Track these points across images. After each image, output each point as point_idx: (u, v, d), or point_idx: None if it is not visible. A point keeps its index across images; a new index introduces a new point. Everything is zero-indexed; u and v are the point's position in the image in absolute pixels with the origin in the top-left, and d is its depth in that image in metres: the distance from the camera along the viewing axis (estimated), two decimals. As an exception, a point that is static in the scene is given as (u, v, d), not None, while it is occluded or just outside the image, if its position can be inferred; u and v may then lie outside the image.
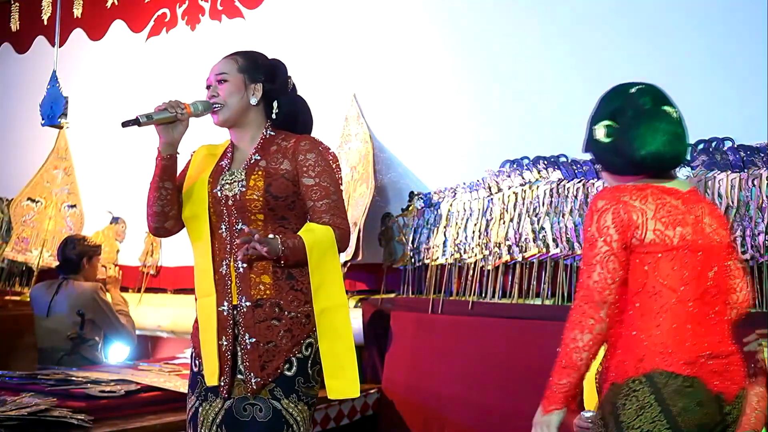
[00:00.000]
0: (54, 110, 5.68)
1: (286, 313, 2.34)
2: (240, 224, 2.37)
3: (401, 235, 4.25)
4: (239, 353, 2.35)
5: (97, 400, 3.02)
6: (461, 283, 3.94)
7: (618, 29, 3.76)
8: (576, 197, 3.61)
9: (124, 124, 2.34)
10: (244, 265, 2.35)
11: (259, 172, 2.38)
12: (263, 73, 2.48)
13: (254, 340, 2.33)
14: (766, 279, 3.16)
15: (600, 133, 2.09)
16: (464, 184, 4.05)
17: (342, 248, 2.39)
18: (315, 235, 2.33)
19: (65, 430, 2.77)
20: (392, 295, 4.22)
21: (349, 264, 4.22)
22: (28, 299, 4.80)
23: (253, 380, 2.31)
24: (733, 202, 3.25)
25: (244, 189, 2.37)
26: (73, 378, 3.33)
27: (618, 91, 2.14)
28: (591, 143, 2.13)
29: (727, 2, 3.50)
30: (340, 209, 2.41)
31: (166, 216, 2.45)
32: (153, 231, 2.51)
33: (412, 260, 4.15)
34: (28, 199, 5.67)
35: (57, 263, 4.70)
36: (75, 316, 4.24)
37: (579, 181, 3.64)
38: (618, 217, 1.98)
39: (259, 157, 2.42)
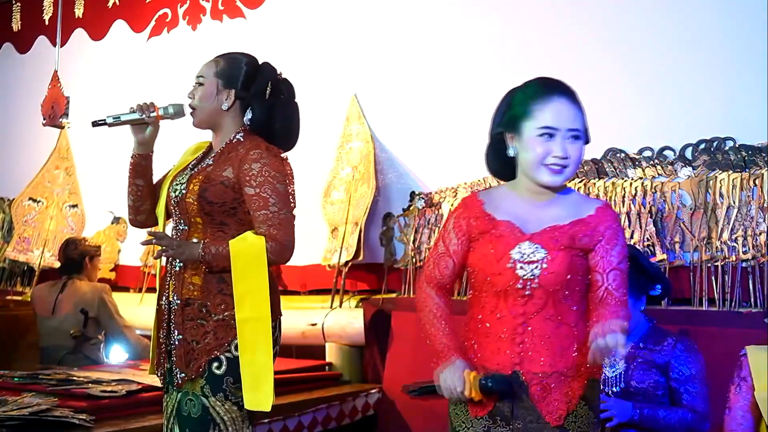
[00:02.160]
0: (55, 110, 5.69)
1: (212, 315, 2.37)
2: (182, 225, 2.46)
3: (402, 235, 4.25)
4: (171, 348, 2.43)
5: (99, 400, 3.01)
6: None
7: (615, 29, 3.76)
8: (577, 197, 3.61)
9: (94, 124, 2.50)
10: (180, 264, 2.41)
11: (200, 177, 2.42)
12: (239, 78, 2.48)
13: (181, 337, 2.38)
14: (768, 279, 3.17)
15: None
16: (465, 183, 4.05)
17: (276, 260, 2.38)
18: (244, 243, 2.34)
19: (67, 430, 2.77)
20: (393, 295, 4.22)
21: (350, 264, 4.23)
22: (30, 299, 4.81)
23: (179, 375, 2.38)
24: (734, 202, 3.25)
25: (184, 192, 2.42)
26: (75, 378, 3.33)
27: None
28: None
29: (727, 2, 3.50)
30: (281, 221, 2.36)
31: (138, 210, 2.59)
32: (130, 222, 2.67)
33: (414, 260, 4.14)
34: (30, 199, 5.68)
35: (59, 263, 4.71)
36: (79, 314, 4.28)
37: (580, 181, 3.64)
38: None
39: (211, 162, 2.46)
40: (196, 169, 2.47)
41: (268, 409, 2.34)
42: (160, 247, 2.36)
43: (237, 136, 2.47)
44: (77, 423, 2.79)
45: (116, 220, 5.49)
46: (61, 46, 5.85)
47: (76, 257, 4.52)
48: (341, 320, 4.16)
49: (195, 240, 2.39)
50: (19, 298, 5.47)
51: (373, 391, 3.95)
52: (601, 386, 2.67)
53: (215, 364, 2.35)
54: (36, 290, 4.75)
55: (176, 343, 2.39)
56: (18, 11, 6.31)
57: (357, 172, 4.36)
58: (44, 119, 5.78)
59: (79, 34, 5.92)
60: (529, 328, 2.03)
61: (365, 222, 4.21)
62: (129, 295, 5.12)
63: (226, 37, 5.06)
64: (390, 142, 4.43)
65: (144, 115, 2.46)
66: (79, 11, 5.90)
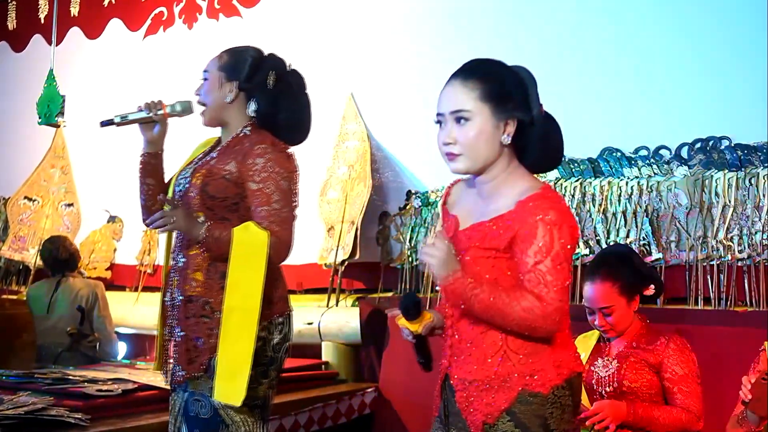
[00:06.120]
0: (51, 109, 5.68)
1: (215, 312, 2.33)
2: None
3: (398, 234, 4.25)
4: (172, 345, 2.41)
5: (94, 399, 3.01)
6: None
7: (615, 28, 3.76)
8: (573, 196, 3.62)
9: (102, 124, 2.46)
10: (184, 259, 2.39)
11: (202, 171, 2.39)
12: (243, 71, 2.45)
13: (183, 333, 2.37)
14: (764, 278, 3.17)
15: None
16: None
17: (274, 257, 2.31)
18: (246, 233, 2.29)
19: (62, 429, 2.77)
20: (389, 294, 4.21)
21: (346, 263, 4.23)
22: (24, 299, 4.81)
23: (179, 372, 2.36)
24: (730, 201, 3.26)
25: (187, 186, 2.40)
26: (70, 377, 3.33)
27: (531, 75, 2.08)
28: None
29: (724, 1, 3.50)
30: (283, 218, 2.33)
31: (149, 210, 2.52)
32: (144, 223, 2.57)
33: (410, 259, 4.14)
34: (25, 197, 5.66)
35: (48, 264, 4.69)
36: (75, 312, 4.30)
37: (576, 180, 3.64)
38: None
39: (215, 155, 2.43)
40: (200, 163, 2.44)
41: (238, 403, 2.25)
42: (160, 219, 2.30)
43: (244, 130, 2.44)
44: (73, 422, 2.79)
45: (112, 219, 5.48)
46: (56, 45, 5.83)
47: (67, 256, 4.56)
48: (337, 319, 4.16)
49: (201, 219, 2.33)
50: (14, 297, 5.45)
51: (369, 390, 3.95)
52: (595, 388, 2.68)
53: None
54: (30, 290, 4.75)
55: (178, 339, 2.37)
56: (13, 10, 6.29)
57: (353, 171, 4.36)
58: (40, 118, 5.76)
59: (75, 33, 5.91)
60: (457, 333, 1.97)
61: (361, 221, 4.21)
62: (125, 294, 5.12)
63: (222, 36, 5.05)
64: (386, 141, 4.43)
65: (152, 113, 2.43)
66: (74, 10, 5.89)
